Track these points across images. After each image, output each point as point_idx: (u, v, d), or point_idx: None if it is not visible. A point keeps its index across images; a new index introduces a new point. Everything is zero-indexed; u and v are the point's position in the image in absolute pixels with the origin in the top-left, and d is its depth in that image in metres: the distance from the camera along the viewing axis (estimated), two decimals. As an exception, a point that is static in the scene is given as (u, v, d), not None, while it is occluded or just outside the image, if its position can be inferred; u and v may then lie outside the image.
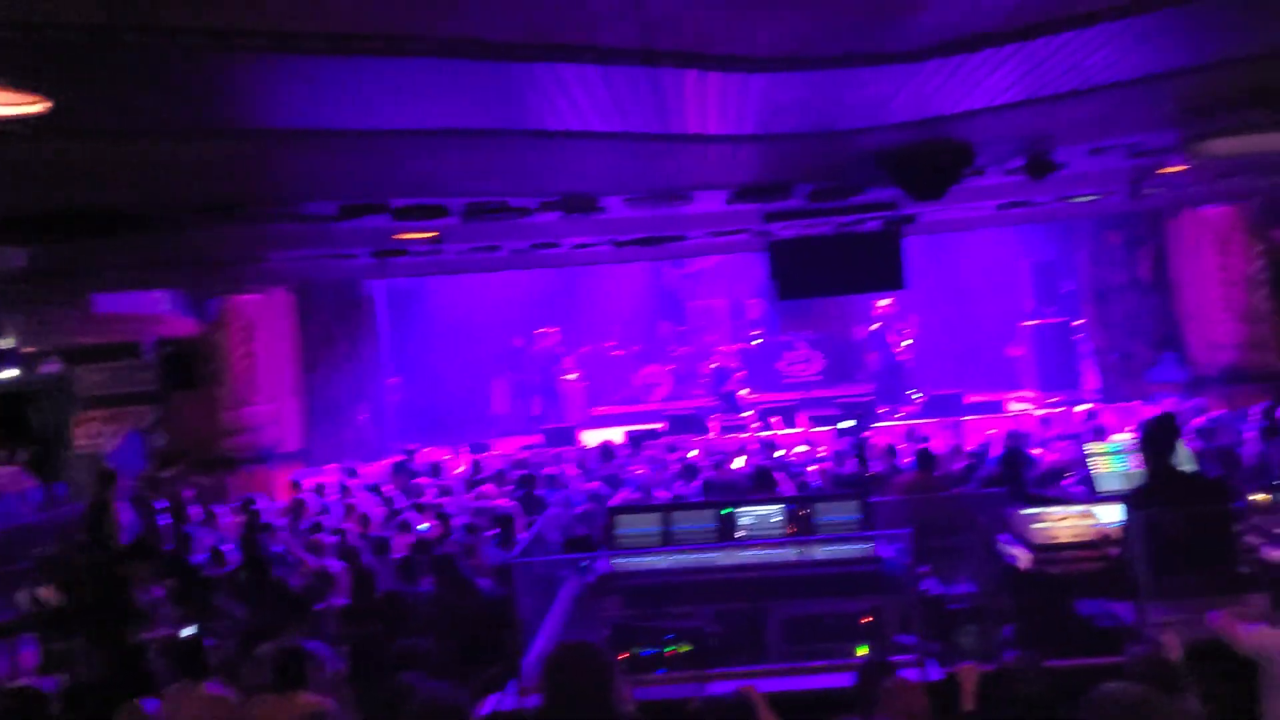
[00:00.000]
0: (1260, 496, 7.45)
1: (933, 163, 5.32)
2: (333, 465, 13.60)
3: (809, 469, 10.54)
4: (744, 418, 15.04)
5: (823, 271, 6.97)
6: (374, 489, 11.80)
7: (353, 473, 12.76)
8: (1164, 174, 7.55)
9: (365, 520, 9.56)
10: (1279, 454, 8.81)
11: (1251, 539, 6.29)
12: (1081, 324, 15.43)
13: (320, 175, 5.13)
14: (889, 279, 6.77)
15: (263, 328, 14.01)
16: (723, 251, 13.14)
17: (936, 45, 3.40)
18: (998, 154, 5.85)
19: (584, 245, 9.15)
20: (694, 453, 12.34)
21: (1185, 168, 7.29)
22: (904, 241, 14.28)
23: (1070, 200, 8.88)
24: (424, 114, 4.00)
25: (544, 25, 2.90)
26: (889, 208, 6.89)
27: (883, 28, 3.18)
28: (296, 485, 12.05)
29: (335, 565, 8.10)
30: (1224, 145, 4.99)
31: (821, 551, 6.15)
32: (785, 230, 7.07)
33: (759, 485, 8.83)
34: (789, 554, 6.15)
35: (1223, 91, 4.66)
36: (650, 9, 2.76)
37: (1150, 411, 12.19)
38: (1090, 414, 11.95)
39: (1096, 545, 6.26)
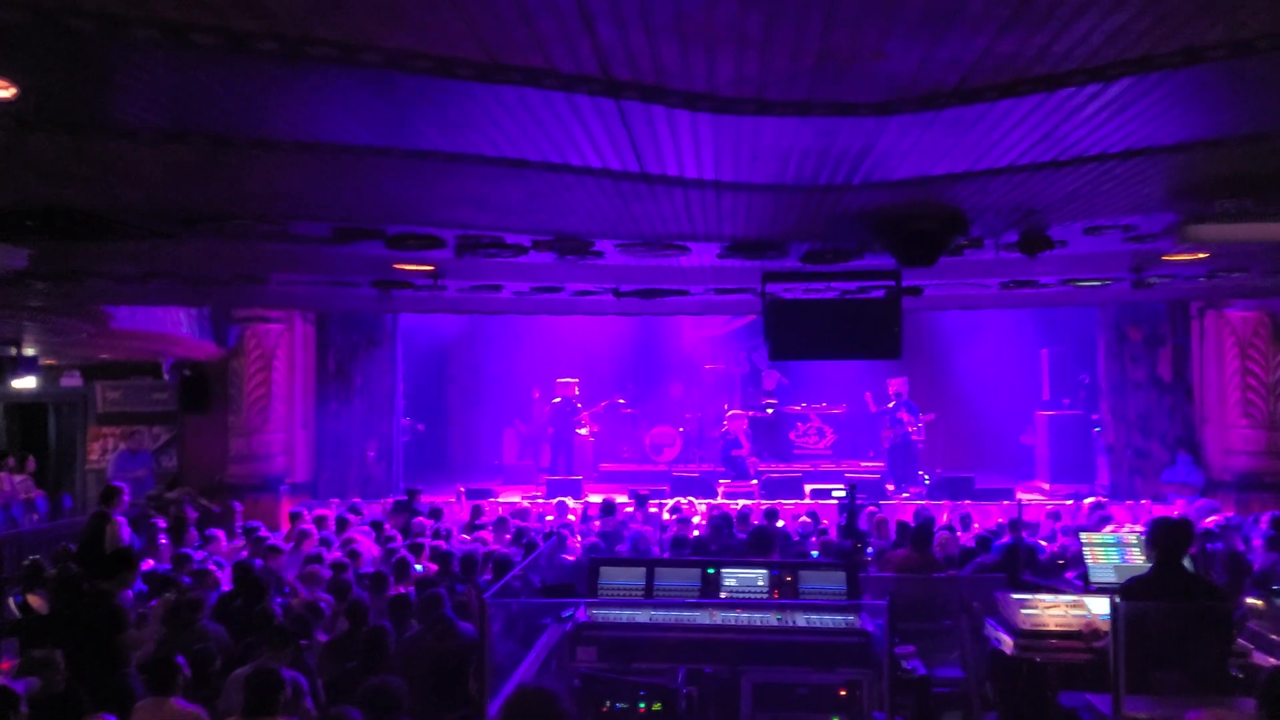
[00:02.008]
0: (1257, 602, 7.39)
1: (920, 227, 5.34)
2: (337, 500, 13.63)
3: (811, 539, 10.50)
4: (750, 485, 14.97)
5: (818, 335, 6.98)
6: (375, 525, 11.82)
7: (356, 510, 12.78)
8: (1170, 261, 7.55)
9: (356, 556, 9.56)
10: (1285, 563, 8.68)
11: (1244, 643, 6.21)
12: (1097, 418, 15.31)
13: (299, 191, 5.15)
14: (886, 348, 6.77)
15: (281, 357, 14.17)
16: (725, 312, 13.19)
17: (900, 99, 3.42)
18: (990, 225, 5.84)
19: (585, 293, 9.21)
20: (697, 517, 12.31)
21: (1192, 257, 7.29)
22: (919, 319, 14.48)
23: (1075, 284, 8.87)
24: (393, 133, 4.02)
25: (494, 43, 2.91)
26: (891, 277, 6.91)
27: (840, 75, 3.18)
28: (297, 516, 12.08)
29: (327, 599, 8.11)
30: (1212, 231, 4.99)
31: (804, 619, 6.09)
32: (787, 293, 7.11)
33: (757, 546, 8.77)
34: (770, 618, 6.09)
35: (1210, 174, 4.67)
36: (601, 34, 2.79)
37: (1161, 511, 12.09)
38: (1097, 506, 11.81)
39: (1084, 636, 6.19)
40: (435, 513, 12.44)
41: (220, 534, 10.95)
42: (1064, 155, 4.19)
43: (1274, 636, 6.84)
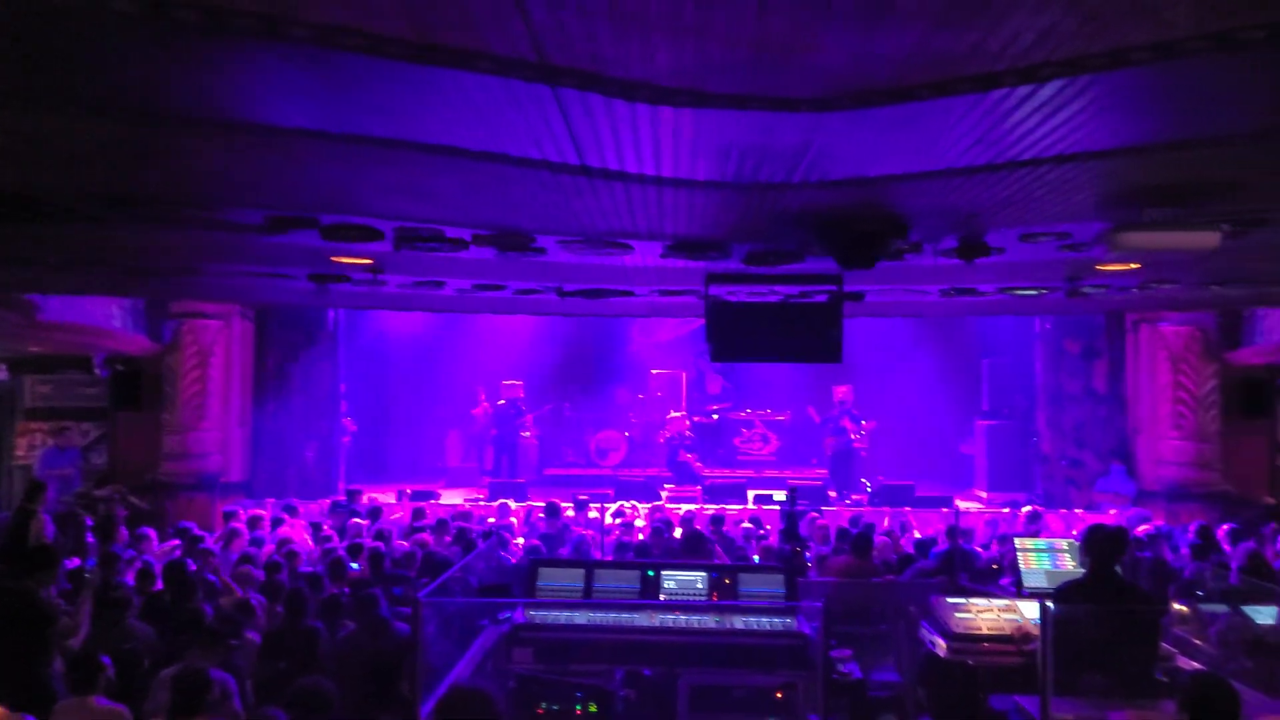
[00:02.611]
0: (1183, 609, 7.56)
1: (859, 229, 5.37)
2: (272, 500, 13.41)
3: (752, 543, 10.54)
4: (694, 490, 15.01)
5: (760, 338, 7.01)
6: (312, 527, 11.66)
7: (292, 510, 12.59)
8: (1103, 271, 7.69)
9: (295, 556, 9.42)
10: (1209, 571, 8.89)
11: (1169, 648, 6.34)
12: (1035, 429, 15.59)
13: (229, 174, 5.03)
14: (827, 352, 6.82)
15: (218, 354, 13.91)
16: (671, 314, 13.17)
17: (837, 95, 3.42)
18: (929, 230, 5.90)
19: (528, 291, 9.14)
20: (640, 521, 12.32)
21: (1124, 267, 7.43)
22: (863, 327, 14.63)
23: (1013, 293, 9.01)
24: (324, 115, 3.92)
25: (425, 21, 2.85)
26: (833, 281, 6.95)
27: (777, 69, 3.18)
28: (231, 515, 11.88)
29: (260, 599, 7.98)
30: (1141, 239, 5.10)
31: (741, 621, 6.10)
32: (730, 296, 7.13)
33: (690, 550, 8.79)
34: (708, 621, 6.10)
35: (1138, 182, 4.75)
36: (534, 15, 2.75)
37: (1094, 519, 12.32)
38: (1033, 515, 12.01)
39: (1015, 640, 6.27)
40: (374, 513, 12.32)
41: (152, 533, 10.72)
42: (999, 159, 4.24)
43: (1197, 642, 7.02)
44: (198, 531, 10.71)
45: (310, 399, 14.99)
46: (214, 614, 7.09)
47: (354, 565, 9.05)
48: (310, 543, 10.87)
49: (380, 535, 10.68)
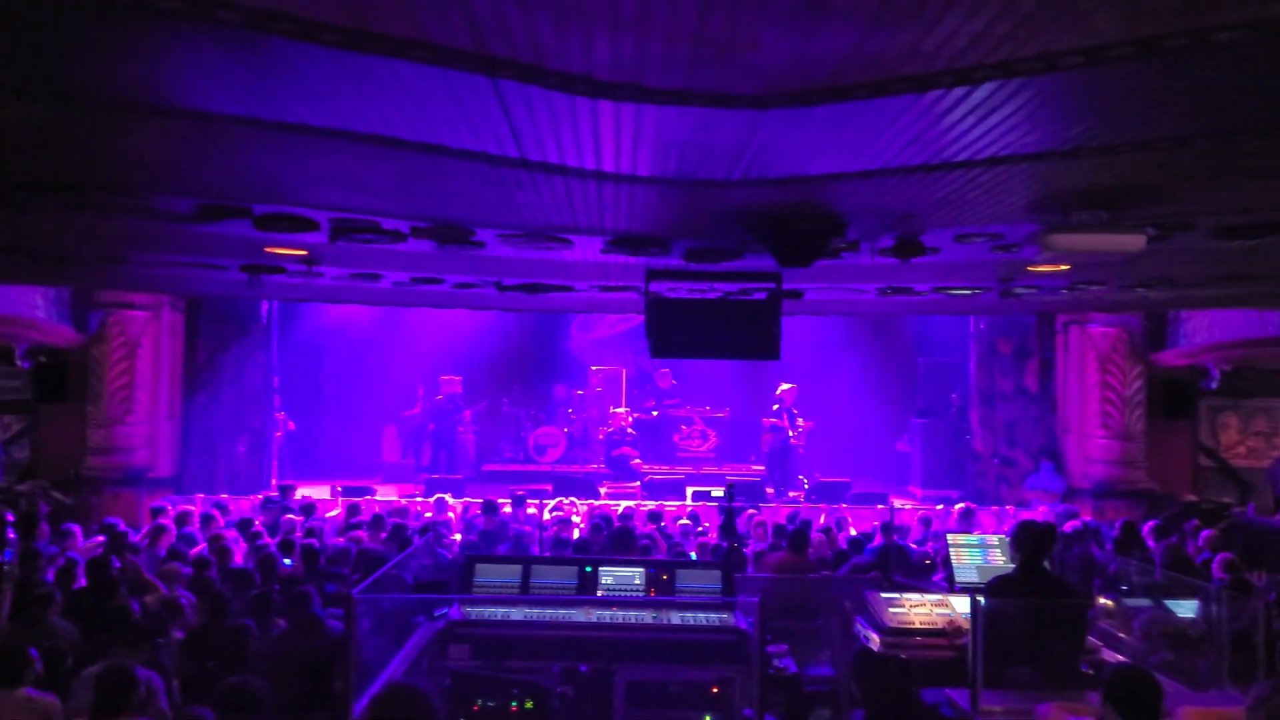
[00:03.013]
0: (1108, 603, 7.75)
1: (798, 227, 5.41)
2: (202, 496, 13.15)
3: (690, 539, 10.56)
4: (634, 486, 15.03)
5: (699, 334, 7.03)
6: (243, 523, 11.45)
7: (223, 506, 12.36)
8: (1034, 272, 7.85)
9: (226, 553, 9.24)
10: (1134, 566, 9.11)
11: (1095, 641, 6.49)
12: (968, 427, 15.87)
13: (158, 161, 4.88)
14: (764, 349, 6.86)
15: (147, 346, 13.60)
16: (610, 310, 13.18)
17: (775, 93, 3.42)
18: (866, 229, 5.97)
19: (467, 285, 9.06)
20: (576, 517, 12.29)
21: (1054, 268, 7.59)
22: (803, 326, 14.76)
23: (947, 292, 9.17)
24: (256, 101, 3.82)
25: (361, 7, 2.80)
26: (772, 279, 7.00)
27: (716, 64, 3.17)
28: (159, 511, 11.62)
29: (188, 596, 7.82)
30: (1070, 241, 5.21)
31: (679, 617, 6.12)
32: (671, 292, 7.14)
33: (618, 545, 8.80)
34: (646, 616, 6.10)
35: (1067, 185, 4.85)
36: (473, 4, 2.71)
37: (1024, 516, 12.58)
38: (966, 512, 12.22)
39: (947, 634, 6.37)
40: (307, 509, 12.13)
41: (77, 529, 10.44)
42: (934, 160, 4.30)
43: (1122, 635, 7.19)
44: (123, 527, 10.46)
45: (242, 393, 14.72)
46: (140, 612, 6.93)
47: (287, 562, 8.92)
48: (241, 539, 10.69)
49: (312, 532, 10.53)
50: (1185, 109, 3.72)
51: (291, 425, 15.81)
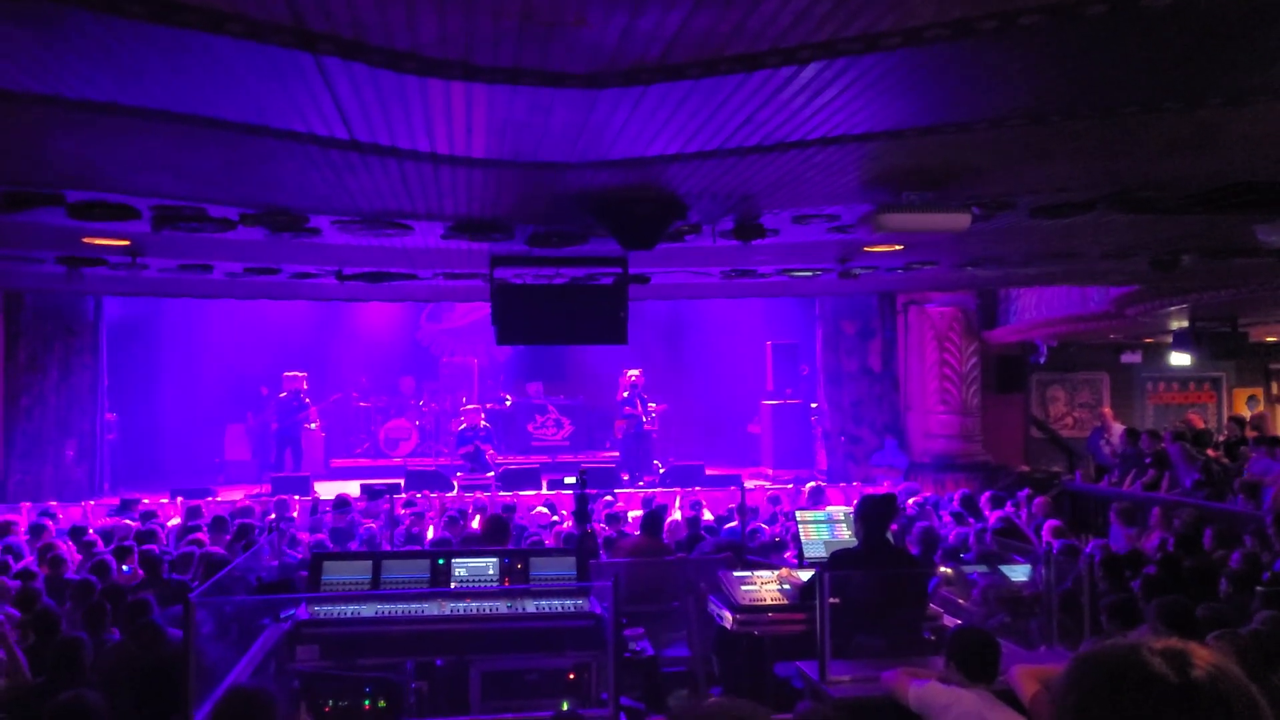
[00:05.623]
0: (948, 571, 8.11)
1: (638, 210, 5.44)
2: (28, 505, 12.35)
3: (547, 529, 10.53)
4: (488, 478, 14.88)
5: (546, 320, 7.00)
6: (74, 531, 10.81)
7: (52, 515, 11.64)
8: (871, 253, 8.12)
9: (58, 563, 8.72)
10: (972, 536, 9.55)
11: (936, 609, 6.77)
12: (816, 407, 16.32)
13: None
14: (612, 333, 6.88)
15: (-41, 347, 12.68)
16: (456, 298, 12.99)
17: (607, 72, 3.41)
18: (707, 211, 6.05)
19: (305, 275, 8.76)
20: (430, 511, 12.09)
21: (889, 248, 7.87)
22: (652, 310, 14.88)
23: (790, 274, 9.40)
24: (56, 78, 3.56)
25: None
26: (618, 264, 7.03)
27: (546, 42, 3.14)
28: (-23, 522, 10.85)
29: (14, 613, 7.34)
30: (900, 220, 5.42)
31: (534, 605, 6.09)
32: (517, 279, 7.08)
33: (492, 536, 8.69)
34: (500, 606, 6.05)
35: (895, 165, 5.02)
36: None
37: (870, 492, 13.04)
38: (815, 491, 12.58)
39: (798, 608, 6.54)
40: (148, 516, 11.55)
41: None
42: (767, 140, 4.37)
43: (961, 602, 7.53)
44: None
45: (69, 394, 13.88)
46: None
47: (124, 569, 8.47)
48: (74, 551, 10.09)
49: (142, 537, 10.01)
50: (999, 91, 3.88)
51: (114, 432, 14.95)
